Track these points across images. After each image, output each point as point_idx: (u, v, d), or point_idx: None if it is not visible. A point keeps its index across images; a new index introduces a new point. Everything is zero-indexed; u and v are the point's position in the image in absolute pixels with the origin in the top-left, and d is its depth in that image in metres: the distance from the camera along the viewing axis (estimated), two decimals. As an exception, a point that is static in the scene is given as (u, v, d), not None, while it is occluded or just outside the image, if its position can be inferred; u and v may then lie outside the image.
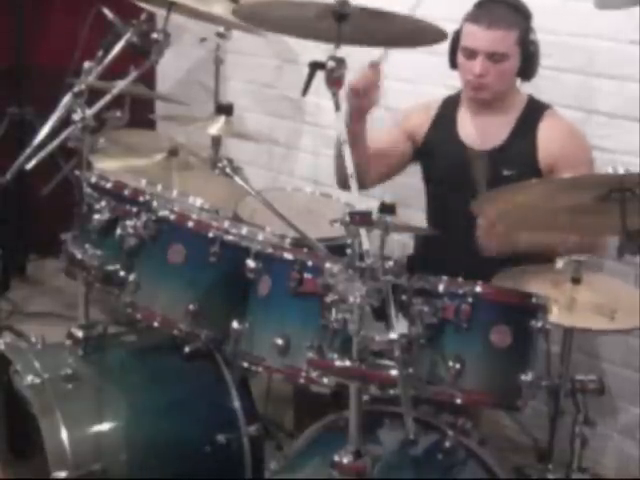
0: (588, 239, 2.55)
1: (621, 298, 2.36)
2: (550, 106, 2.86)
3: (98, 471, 2.30)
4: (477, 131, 2.88)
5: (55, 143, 2.46)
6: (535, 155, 2.78)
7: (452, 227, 2.71)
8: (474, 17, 2.75)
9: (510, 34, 2.71)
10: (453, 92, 2.99)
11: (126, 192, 2.44)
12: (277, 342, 2.12)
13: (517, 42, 2.72)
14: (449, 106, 2.96)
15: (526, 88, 2.87)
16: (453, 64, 2.84)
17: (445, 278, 2.11)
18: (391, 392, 1.99)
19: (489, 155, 2.83)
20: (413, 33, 2.44)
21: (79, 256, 2.44)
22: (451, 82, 2.98)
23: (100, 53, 2.59)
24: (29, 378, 2.39)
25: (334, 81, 2.18)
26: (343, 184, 2.71)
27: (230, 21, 3.09)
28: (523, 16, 2.75)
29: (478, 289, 2.09)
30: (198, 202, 2.48)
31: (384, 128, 3.06)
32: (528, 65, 2.77)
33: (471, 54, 2.74)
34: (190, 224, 2.32)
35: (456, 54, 2.81)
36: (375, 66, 2.71)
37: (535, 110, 2.85)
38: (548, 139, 2.79)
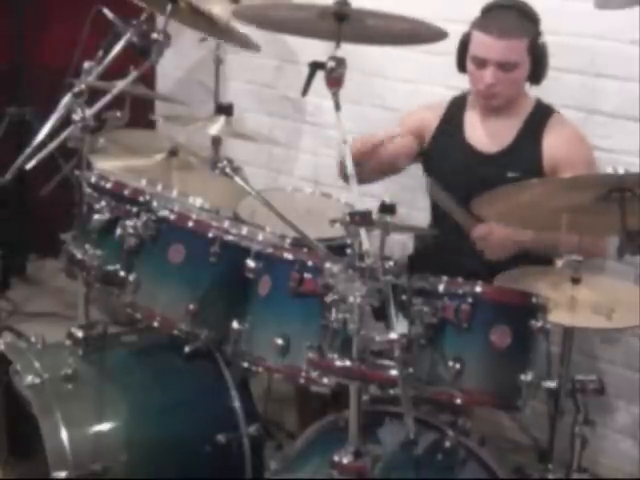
0: (588, 240, 2.54)
1: (620, 297, 2.36)
2: (556, 110, 2.85)
3: (98, 471, 2.30)
4: (485, 134, 2.87)
5: (55, 143, 2.46)
6: (540, 159, 2.78)
7: (454, 228, 2.71)
8: (484, 25, 2.72)
9: (521, 43, 2.70)
10: (454, 92, 2.99)
11: (126, 192, 2.44)
12: (277, 342, 2.12)
13: (528, 50, 2.71)
14: (456, 108, 2.94)
15: (526, 88, 2.87)
16: (462, 68, 2.82)
17: (445, 278, 2.11)
18: (391, 392, 1.99)
19: (495, 158, 2.83)
20: (413, 33, 2.45)
21: (79, 256, 2.44)
22: (451, 82, 2.98)
23: (100, 53, 2.59)
24: (29, 378, 2.39)
25: (334, 81, 2.18)
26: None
27: (227, 33, 3.07)
28: (532, 22, 2.73)
29: (478, 289, 2.09)
30: (198, 202, 2.48)
31: (388, 129, 3.04)
32: (538, 70, 2.76)
33: (481, 63, 2.72)
34: (190, 224, 2.32)
35: (464, 59, 2.79)
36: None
37: (542, 114, 2.84)
38: (553, 144, 2.78)
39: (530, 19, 2.74)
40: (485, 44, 2.70)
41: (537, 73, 2.77)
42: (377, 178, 2.95)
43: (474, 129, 2.90)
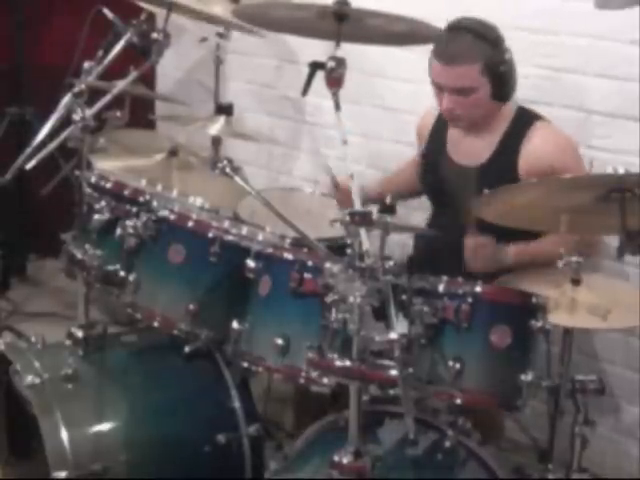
0: (581, 241, 2.53)
1: (620, 297, 2.35)
2: (541, 117, 2.76)
3: (98, 471, 2.30)
4: (464, 149, 2.82)
5: (55, 143, 2.46)
6: (516, 170, 2.69)
7: (454, 227, 2.70)
8: (436, 52, 2.65)
9: (473, 67, 2.62)
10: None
11: (126, 192, 2.45)
12: (277, 342, 2.12)
13: (482, 73, 2.62)
14: (442, 119, 2.87)
15: (526, 90, 2.85)
16: None
17: (445, 278, 2.11)
18: (391, 392, 1.99)
19: (474, 173, 2.76)
20: (413, 33, 2.44)
21: (79, 256, 2.44)
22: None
23: (100, 53, 2.59)
24: (29, 378, 2.39)
25: (334, 81, 2.18)
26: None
27: (230, 21, 3.09)
28: (488, 43, 2.63)
29: (478, 289, 2.10)
30: (198, 202, 2.48)
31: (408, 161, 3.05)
32: (500, 89, 2.67)
33: (438, 88, 2.69)
34: (190, 224, 2.33)
35: None
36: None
37: (522, 123, 2.74)
38: (531, 152, 2.69)
39: (484, 40, 2.64)
40: (437, 71, 2.66)
41: (500, 92, 2.68)
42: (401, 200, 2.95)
43: (455, 144, 2.85)
